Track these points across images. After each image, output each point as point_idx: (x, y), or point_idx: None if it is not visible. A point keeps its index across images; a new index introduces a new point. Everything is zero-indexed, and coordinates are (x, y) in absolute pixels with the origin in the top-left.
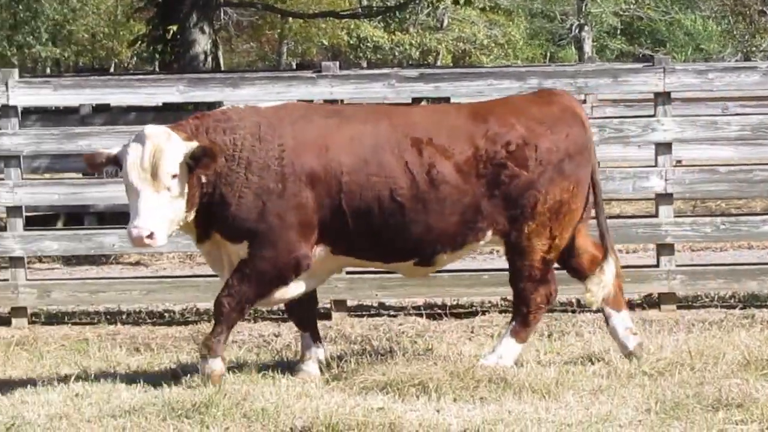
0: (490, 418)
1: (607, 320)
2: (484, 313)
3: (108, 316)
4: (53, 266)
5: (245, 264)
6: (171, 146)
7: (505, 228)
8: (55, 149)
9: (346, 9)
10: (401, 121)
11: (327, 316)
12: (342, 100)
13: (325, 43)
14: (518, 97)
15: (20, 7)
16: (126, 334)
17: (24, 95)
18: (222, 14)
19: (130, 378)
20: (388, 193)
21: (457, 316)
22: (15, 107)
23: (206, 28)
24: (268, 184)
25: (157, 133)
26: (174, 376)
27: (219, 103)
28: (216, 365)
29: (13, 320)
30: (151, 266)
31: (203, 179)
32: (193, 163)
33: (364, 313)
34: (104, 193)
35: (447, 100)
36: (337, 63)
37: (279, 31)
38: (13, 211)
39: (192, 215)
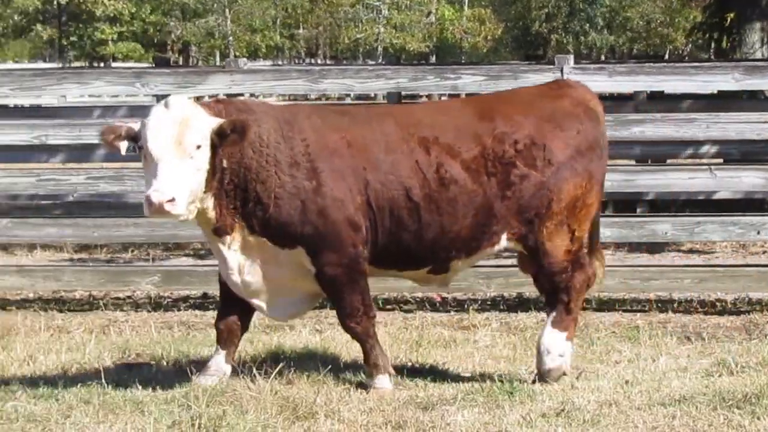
0: None
1: None
2: None
3: (659, 304)
4: (605, 253)
5: (323, 279)
6: (197, 116)
7: (521, 231)
8: (608, 136)
9: None
10: (407, 120)
11: None
12: None
13: None
14: (528, 89)
15: None
16: (677, 323)
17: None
18: None
19: (681, 367)
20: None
21: None
22: None
23: (763, 16)
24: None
25: (183, 102)
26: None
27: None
28: (386, 383)
29: None
30: (703, 255)
31: (224, 164)
32: (218, 140)
33: None
34: (657, 181)
35: None
36: None
37: None
38: None
39: (209, 202)
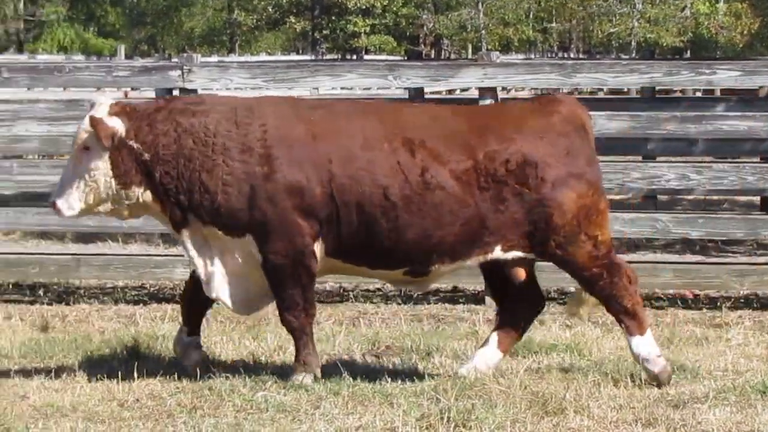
0: None
1: None
2: None
3: None
4: None
5: (267, 268)
6: (92, 118)
7: (520, 244)
8: None
9: None
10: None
11: None
12: None
13: None
14: (516, 106)
15: None
16: None
17: None
18: None
19: None
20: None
21: None
22: None
23: None
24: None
25: (99, 102)
26: None
27: None
28: (308, 380)
29: None
30: None
31: (146, 157)
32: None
33: None
34: None
35: None
36: None
37: None
38: None
39: (146, 197)
